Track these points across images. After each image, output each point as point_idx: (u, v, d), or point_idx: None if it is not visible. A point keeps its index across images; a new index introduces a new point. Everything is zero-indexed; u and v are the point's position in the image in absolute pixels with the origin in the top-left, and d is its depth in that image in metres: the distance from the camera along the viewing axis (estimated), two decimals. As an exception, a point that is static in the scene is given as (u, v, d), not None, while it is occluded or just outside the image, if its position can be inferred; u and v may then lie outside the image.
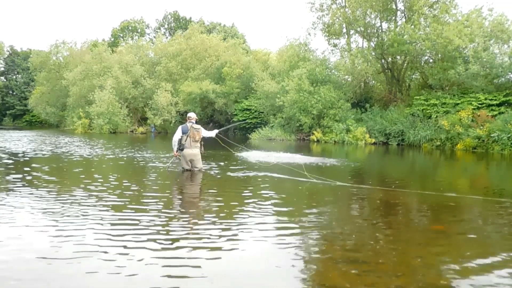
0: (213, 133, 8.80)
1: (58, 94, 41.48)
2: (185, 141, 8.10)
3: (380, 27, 25.12)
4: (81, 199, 5.43)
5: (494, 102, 18.69)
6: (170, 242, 3.70)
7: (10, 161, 9.85)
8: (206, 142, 8.81)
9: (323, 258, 3.44)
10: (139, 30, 55.42)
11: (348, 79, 25.57)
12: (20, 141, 18.02)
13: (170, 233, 3.99)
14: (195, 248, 3.55)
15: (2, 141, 17.65)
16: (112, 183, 6.91)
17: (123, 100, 34.51)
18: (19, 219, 4.38)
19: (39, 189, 6.10)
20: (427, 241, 3.98)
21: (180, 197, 6.21)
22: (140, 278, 2.90)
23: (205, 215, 4.81)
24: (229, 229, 4.18)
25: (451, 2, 22.37)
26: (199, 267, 3.13)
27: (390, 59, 24.68)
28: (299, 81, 24.45)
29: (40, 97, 44.29)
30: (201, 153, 8.38)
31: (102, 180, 7.12)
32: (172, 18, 55.32)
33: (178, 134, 8.17)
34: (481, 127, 17.60)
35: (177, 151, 8.25)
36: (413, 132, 20.26)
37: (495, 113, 18.28)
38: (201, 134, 8.27)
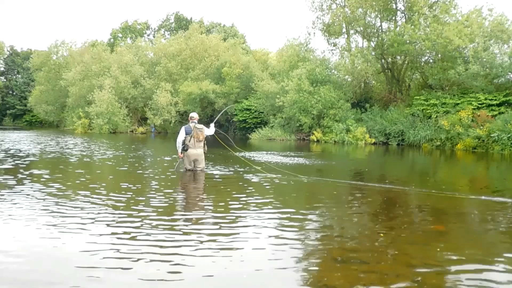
0: (212, 129, 8.65)
1: (58, 94, 41.47)
2: (189, 141, 8.08)
3: (380, 27, 25.12)
4: (85, 199, 5.43)
5: (494, 102, 18.69)
6: (170, 242, 3.70)
7: (17, 163, 9.85)
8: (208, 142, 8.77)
9: (323, 258, 3.44)
10: (139, 30, 55.35)
11: (348, 79, 25.56)
12: (21, 142, 18.02)
13: (170, 233, 3.99)
14: (195, 248, 3.55)
15: (4, 142, 17.65)
16: (116, 183, 6.91)
17: (122, 100, 34.49)
18: (23, 219, 4.39)
19: (45, 190, 6.10)
20: (427, 241, 3.98)
21: (182, 197, 6.21)
22: (138, 278, 2.90)
23: (206, 216, 4.81)
24: (229, 230, 4.18)
25: (451, 2, 22.34)
26: (199, 267, 3.13)
27: (390, 59, 24.67)
28: (298, 81, 24.45)
29: (39, 96, 44.25)
30: (204, 152, 8.37)
31: (106, 181, 7.12)
32: (174, 19, 55.23)
33: (181, 135, 8.12)
34: (481, 127, 17.59)
35: (181, 152, 8.23)
36: (413, 132, 20.26)
37: (495, 113, 18.28)
38: (204, 134, 8.24)
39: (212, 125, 8.76)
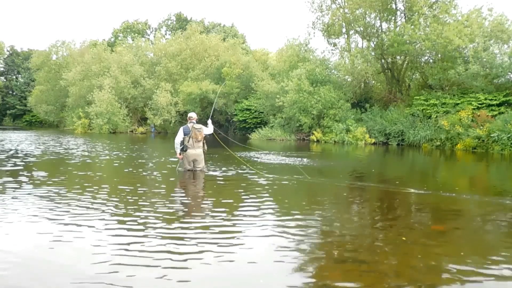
0: (211, 127, 8.56)
1: (58, 94, 41.46)
2: (188, 141, 8.08)
3: (380, 27, 25.12)
4: (86, 202, 5.44)
5: (494, 102, 18.69)
6: (170, 243, 3.71)
7: (18, 164, 9.85)
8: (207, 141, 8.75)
9: (323, 258, 3.45)
10: (140, 30, 55.29)
11: (348, 79, 25.56)
12: (22, 142, 18.01)
13: (170, 234, 4.00)
14: (195, 249, 3.56)
15: (5, 141, 17.65)
16: (117, 185, 6.91)
17: (122, 100, 34.48)
18: (22, 223, 4.39)
19: (46, 193, 6.10)
20: (427, 241, 3.98)
21: (181, 198, 6.21)
22: (138, 279, 2.90)
23: (206, 216, 4.81)
24: (229, 230, 4.19)
25: (451, 2, 22.33)
26: (199, 268, 3.14)
27: (390, 59, 24.65)
28: (298, 81, 24.46)
29: (39, 96, 44.22)
30: (204, 152, 8.36)
31: (107, 183, 7.12)
32: (175, 19, 55.20)
33: (179, 136, 8.12)
34: (481, 127, 17.59)
35: (180, 153, 8.22)
36: (413, 132, 20.26)
37: (495, 113, 18.28)
38: (203, 134, 8.24)
39: (209, 122, 8.66)
